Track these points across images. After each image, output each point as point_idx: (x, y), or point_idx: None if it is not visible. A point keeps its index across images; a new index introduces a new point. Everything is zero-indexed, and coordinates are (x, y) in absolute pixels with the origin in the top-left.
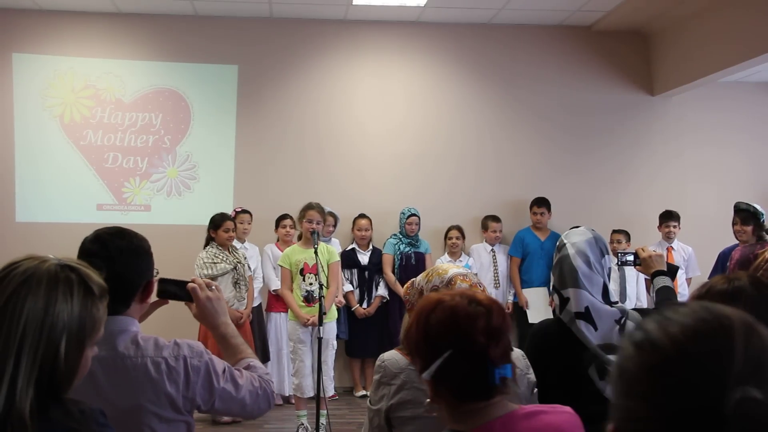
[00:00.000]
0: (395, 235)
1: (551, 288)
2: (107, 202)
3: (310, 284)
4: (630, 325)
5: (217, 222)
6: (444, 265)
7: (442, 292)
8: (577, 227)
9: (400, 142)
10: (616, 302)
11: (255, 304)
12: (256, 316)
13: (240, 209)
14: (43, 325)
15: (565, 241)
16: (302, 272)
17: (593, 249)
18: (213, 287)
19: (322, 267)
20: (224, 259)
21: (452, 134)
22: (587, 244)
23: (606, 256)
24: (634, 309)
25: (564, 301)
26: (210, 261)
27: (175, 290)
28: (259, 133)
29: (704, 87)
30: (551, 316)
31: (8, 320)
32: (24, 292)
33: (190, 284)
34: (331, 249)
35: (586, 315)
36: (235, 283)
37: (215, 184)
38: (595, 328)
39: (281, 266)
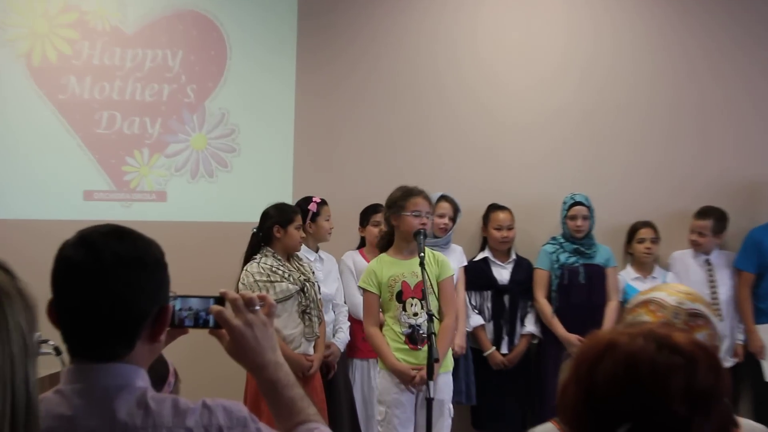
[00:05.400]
0: (554, 239)
1: None
2: (100, 188)
3: (415, 315)
4: None
5: (287, 215)
6: (672, 285)
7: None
8: None
9: (554, 98)
10: None
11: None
12: (341, 367)
13: (320, 199)
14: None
15: None
16: (400, 297)
17: None
18: (257, 306)
19: (431, 286)
20: (287, 275)
21: (637, 82)
22: None
23: None
24: None
25: None
26: (266, 279)
27: (198, 311)
28: (331, 85)
29: None
30: None
31: None
32: None
33: (213, 307)
34: (441, 258)
35: None
36: (303, 312)
37: (265, 159)
38: None
39: (364, 289)
